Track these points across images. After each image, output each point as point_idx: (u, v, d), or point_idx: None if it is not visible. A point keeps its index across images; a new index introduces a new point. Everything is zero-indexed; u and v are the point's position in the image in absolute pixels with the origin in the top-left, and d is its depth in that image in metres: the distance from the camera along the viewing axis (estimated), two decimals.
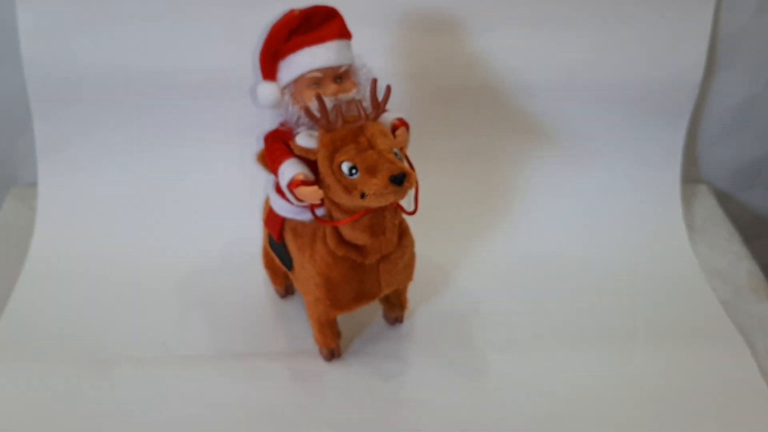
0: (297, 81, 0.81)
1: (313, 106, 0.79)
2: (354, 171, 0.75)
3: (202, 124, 1.16)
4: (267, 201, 0.94)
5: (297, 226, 0.89)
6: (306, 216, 0.87)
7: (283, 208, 0.89)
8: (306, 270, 0.87)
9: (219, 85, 1.11)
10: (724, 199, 1.28)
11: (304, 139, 0.79)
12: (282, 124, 0.84)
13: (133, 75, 1.10)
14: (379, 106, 0.79)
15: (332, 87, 0.82)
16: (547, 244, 1.13)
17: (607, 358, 0.95)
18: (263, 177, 0.95)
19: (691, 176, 1.27)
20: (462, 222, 1.16)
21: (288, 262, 0.92)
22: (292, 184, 0.80)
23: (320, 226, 0.84)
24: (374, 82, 0.79)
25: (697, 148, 1.26)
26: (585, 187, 1.20)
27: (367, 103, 0.79)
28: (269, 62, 0.84)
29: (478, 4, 1.10)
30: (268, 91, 0.84)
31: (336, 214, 0.81)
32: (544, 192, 1.19)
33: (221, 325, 1.01)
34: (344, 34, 0.82)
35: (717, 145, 1.26)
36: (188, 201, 1.17)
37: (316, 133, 0.79)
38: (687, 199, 1.22)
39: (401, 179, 0.73)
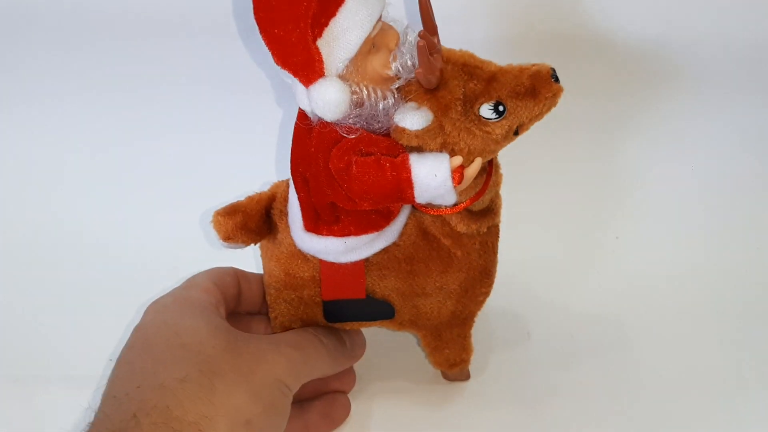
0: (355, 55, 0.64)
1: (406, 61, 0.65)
2: (502, 108, 0.67)
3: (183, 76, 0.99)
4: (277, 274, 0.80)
5: (393, 254, 0.77)
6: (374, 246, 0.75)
7: (351, 248, 0.73)
8: (443, 288, 0.79)
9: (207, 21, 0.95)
10: None
11: (415, 117, 0.65)
12: (334, 132, 0.66)
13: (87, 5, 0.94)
14: (436, 27, 0.68)
15: (392, 33, 0.67)
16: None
17: None
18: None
19: None
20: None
21: (386, 311, 0.80)
22: (458, 174, 0.67)
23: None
24: (426, 1, 0.66)
25: None
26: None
27: (412, 28, 0.69)
28: (305, 51, 0.61)
29: None
30: (334, 94, 0.63)
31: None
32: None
33: None
34: None
35: None
36: (147, 176, 1.02)
37: (414, 104, 0.67)
38: None
39: (556, 74, 0.68)
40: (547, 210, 1.09)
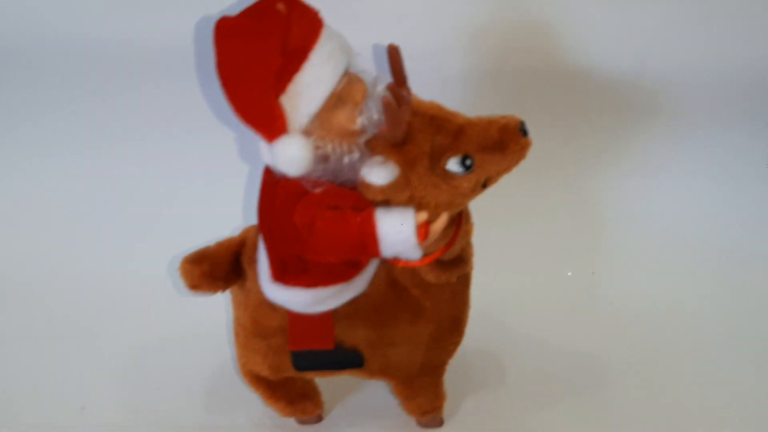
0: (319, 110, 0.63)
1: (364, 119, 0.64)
2: (469, 162, 0.66)
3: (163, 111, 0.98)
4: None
5: (362, 304, 0.75)
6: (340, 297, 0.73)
7: (319, 299, 0.72)
8: (413, 338, 0.78)
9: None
10: None
11: (382, 172, 0.64)
12: (298, 185, 0.65)
13: (74, 44, 0.94)
14: (405, 78, 0.67)
15: (359, 85, 0.65)
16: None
17: None
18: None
19: None
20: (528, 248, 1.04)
21: (355, 360, 0.79)
22: (423, 230, 0.65)
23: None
24: (397, 49, 0.65)
25: None
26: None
27: (380, 79, 0.67)
28: (267, 108, 0.61)
29: None
30: (296, 151, 0.62)
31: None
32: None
33: (159, 387, 0.87)
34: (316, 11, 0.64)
35: None
36: (115, 221, 1.00)
37: (380, 158, 0.65)
38: None
39: (525, 128, 0.67)
40: (521, 246, 1.09)
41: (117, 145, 1.02)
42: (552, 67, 1.05)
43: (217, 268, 0.77)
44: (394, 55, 0.65)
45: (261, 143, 0.65)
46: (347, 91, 0.64)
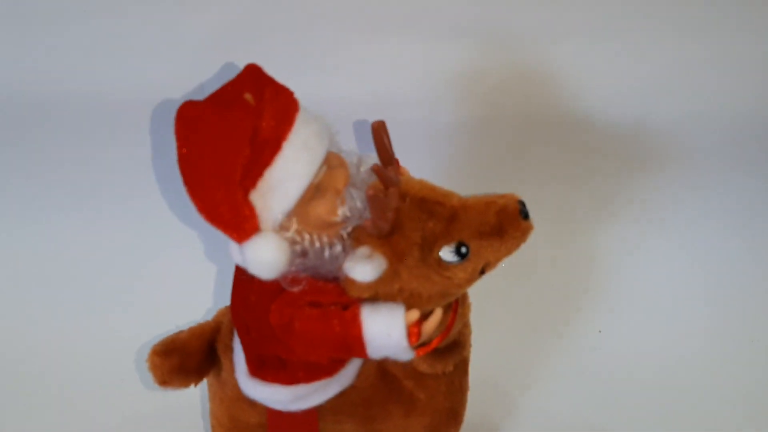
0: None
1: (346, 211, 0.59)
2: (464, 250, 0.60)
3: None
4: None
5: (350, 398, 0.68)
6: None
7: (300, 396, 0.65)
8: (408, 428, 0.72)
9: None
10: None
11: (367, 267, 0.57)
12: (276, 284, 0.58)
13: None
14: (392, 156, 0.61)
15: (340, 172, 0.59)
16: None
17: None
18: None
19: None
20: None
21: None
22: (415, 330, 0.59)
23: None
24: (382, 125, 0.58)
25: None
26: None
27: (364, 160, 0.62)
28: (234, 208, 0.55)
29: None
30: (269, 253, 0.56)
31: None
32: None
33: None
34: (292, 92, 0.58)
35: None
36: (82, 306, 0.91)
37: (366, 250, 0.58)
38: None
39: (525, 210, 0.61)
40: (524, 304, 1.02)
41: (71, 218, 0.95)
42: (549, 114, 0.99)
43: (188, 360, 0.70)
44: (378, 133, 0.58)
45: (231, 244, 0.58)
46: (327, 179, 0.58)
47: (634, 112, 0.98)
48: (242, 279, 0.62)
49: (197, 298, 0.88)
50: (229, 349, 0.70)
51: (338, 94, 0.90)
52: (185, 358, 0.69)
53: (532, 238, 0.98)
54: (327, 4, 0.89)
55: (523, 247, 0.97)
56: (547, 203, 1.02)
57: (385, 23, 0.93)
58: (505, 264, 0.93)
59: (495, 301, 0.87)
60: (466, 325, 0.71)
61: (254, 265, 0.56)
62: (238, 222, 0.55)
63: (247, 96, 0.54)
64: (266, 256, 0.55)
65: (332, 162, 0.59)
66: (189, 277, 0.93)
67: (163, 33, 0.86)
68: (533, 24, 0.94)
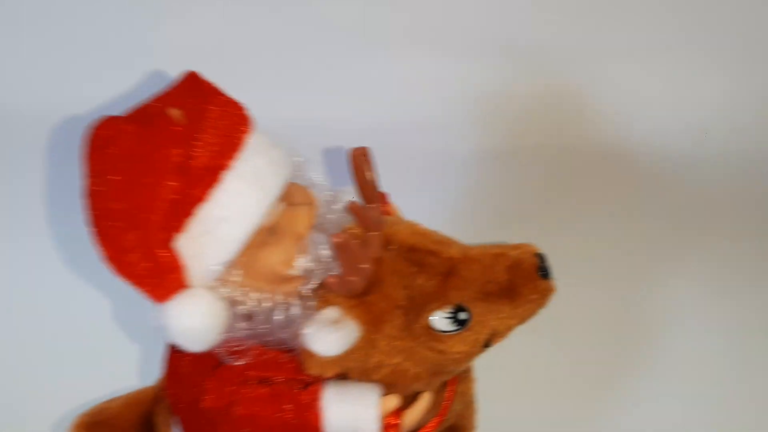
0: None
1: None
2: (464, 315, 0.47)
3: None
4: None
5: None
6: None
7: None
8: None
9: None
10: None
11: (333, 337, 0.43)
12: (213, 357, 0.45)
13: None
14: (376, 192, 0.47)
15: (302, 212, 0.46)
16: None
17: None
18: None
19: None
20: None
21: None
22: (394, 421, 0.45)
23: None
24: (362, 153, 0.45)
25: None
26: None
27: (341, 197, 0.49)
28: (152, 251, 0.42)
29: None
30: (194, 318, 0.42)
31: None
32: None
33: None
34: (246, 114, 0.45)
35: None
36: None
37: (333, 313, 0.45)
38: None
39: (545, 265, 0.49)
40: (543, 367, 0.86)
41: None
42: (586, 146, 0.87)
43: None
44: (358, 162, 0.45)
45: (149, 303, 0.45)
46: (285, 220, 0.45)
47: (688, 142, 0.85)
48: (174, 349, 0.49)
49: (134, 356, 0.74)
50: (169, 425, 0.56)
51: (334, 116, 0.81)
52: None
53: (560, 290, 0.86)
54: (321, 13, 0.80)
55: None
56: (580, 250, 0.87)
57: (392, 37, 0.84)
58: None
59: (512, 362, 0.73)
60: (468, 405, 0.57)
61: (177, 333, 0.42)
62: (156, 275, 0.41)
63: (174, 112, 0.41)
64: (193, 321, 0.41)
65: (295, 198, 0.46)
66: (120, 327, 0.78)
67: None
68: (569, 41, 0.84)
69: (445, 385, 0.53)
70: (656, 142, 0.85)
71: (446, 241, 0.49)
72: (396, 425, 0.45)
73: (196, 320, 0.41)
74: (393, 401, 0.45)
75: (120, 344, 0.75)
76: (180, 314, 0.41)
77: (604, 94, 0.85)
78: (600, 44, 0.84)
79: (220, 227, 0.42)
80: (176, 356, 0.48)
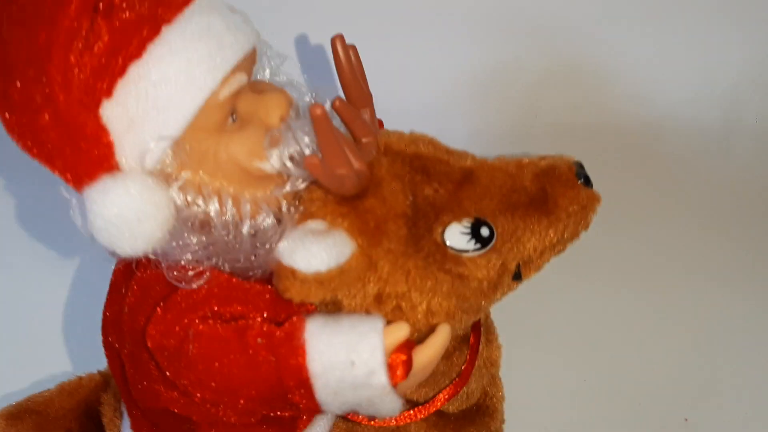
0: (189, 131, 0.33)
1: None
2: (486, 231, 0.37)
3: None
4: None
5: None
6: None
7: None
8: None
9: None
10: None
11: (319, 249, 0.33)
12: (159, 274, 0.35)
13: None
14: (365, 91, 0.39)
15: (275, 97, 0.36)
16: None
17: None
18: None
19: None
20: None
21: None
22: (402, 361, 0.34)
23: None
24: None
25: None
26: None
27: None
28: (73, 120, 0.32)
29: None
30: (129, 202, 0.32)
31: None
32: None
33: None
34: None
35: None
36: None
37: (318, 224, 0.35)
38: None
39: (584, 171, 0.41)
40: (577, 372, 0.74)
41: None
42: (602, 121, 0.79)
43: (50, 425, 0.46)
44: (345, 52, 0.36)
45: (72, 200, 0.34)
46: (250, 105, 0.35)
47: (720, 118, 0.77)
48: (119, 284, 0.38)
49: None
50: (119, 415, 0.45)
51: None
52: (46, 424, 0.45)
53: (588, 286, 0.75)
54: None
55: (579, 296, 0.75)
56: (598, 246, 0.76)
57: (388, 15, 0.79)
58: (554, 312, 0.72)
59: (542, 365, 0.65)
60: (494, 382, 0.46)
61: (102, 226, 0.31)
62: (74, 147, 0.31)
63: None
64: (122, 208, 0.31)
65: (264, 87, 0.36)
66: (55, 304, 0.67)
67: None
68: (579, 7, 0.78)
69: (464, 340, 0.42)
70: (682, 114, 0.77)
71: (458, 152, 0.40)
72: (405, 361, 0.34)
73: (126, 206, 0.31)
74: (402, 330, 0.34)
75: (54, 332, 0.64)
76: (106, 199, 0.31)
77: (620, 64, 0.78)
78: (614, 11, 0.78)
79: (158, 90, 0.32)
80: (119, 296, 0.37)
